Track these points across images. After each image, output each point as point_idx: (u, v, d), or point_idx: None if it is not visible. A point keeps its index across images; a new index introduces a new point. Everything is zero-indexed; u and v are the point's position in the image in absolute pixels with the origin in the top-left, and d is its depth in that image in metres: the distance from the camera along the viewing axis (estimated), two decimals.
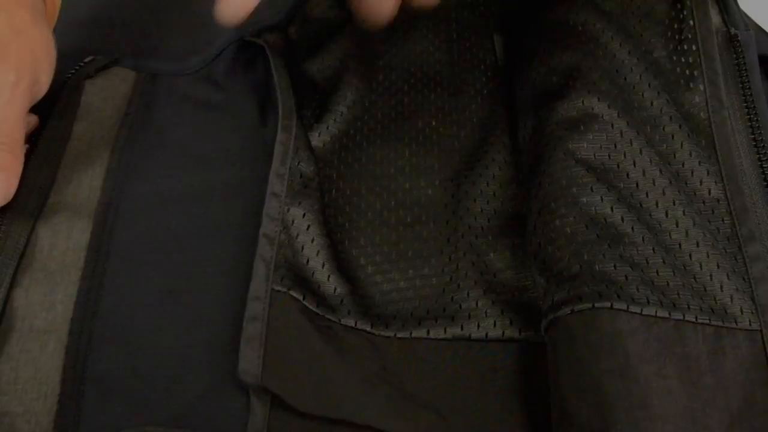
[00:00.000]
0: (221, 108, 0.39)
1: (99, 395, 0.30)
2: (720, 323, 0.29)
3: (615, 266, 0.29)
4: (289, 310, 0.30)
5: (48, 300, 0.33)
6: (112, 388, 0.30)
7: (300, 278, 0.31)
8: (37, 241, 0.34)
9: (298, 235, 0.32)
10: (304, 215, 0.33)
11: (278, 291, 0.30)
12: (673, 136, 0.35)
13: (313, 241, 0.32)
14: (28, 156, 0.36)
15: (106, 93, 0.41)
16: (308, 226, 0.33)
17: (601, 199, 0.31)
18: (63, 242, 0.34)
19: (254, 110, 0.38)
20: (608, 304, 0.28)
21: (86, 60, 0.41)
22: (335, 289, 0.32)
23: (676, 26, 0.38)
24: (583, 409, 0.26)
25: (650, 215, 0.32)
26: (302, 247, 0.32)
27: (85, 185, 0.37)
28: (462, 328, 0.31)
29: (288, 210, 0.32)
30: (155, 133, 0.39)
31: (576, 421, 0.26)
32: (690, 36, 0.37)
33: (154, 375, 0.30)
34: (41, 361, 0.31)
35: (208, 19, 0.44)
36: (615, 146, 0.34)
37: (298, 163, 0.34)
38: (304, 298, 0.31)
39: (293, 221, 0.32)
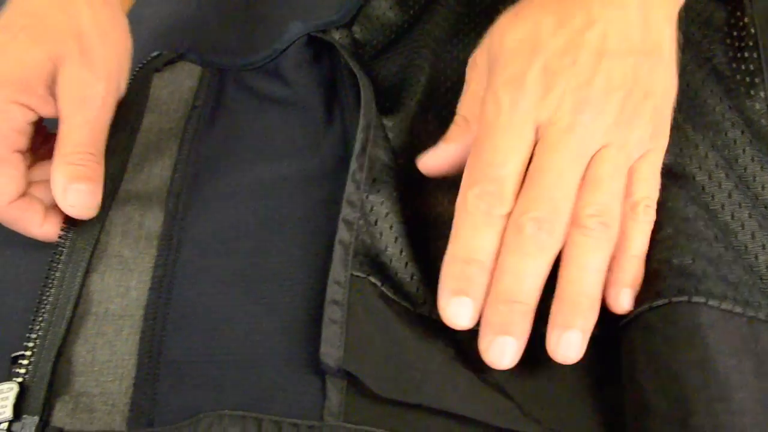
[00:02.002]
0: (288, 102, 0.40)
1: (174, 379, 0.31)
2: None
3: (693, 260, 0.29)
4: (369, 295, 0.30)
5: (123, 286, 0.33)
6: (187, 373, 0.31)
7: (378, 264, 0.31)
8: (111, 228, 0.35)
9: (376, 221, 0.32)
10: (382, 202, 0.33)
11: (357, 276, 0.30)
12: (735, 142, 0.35)
13: (391, 227, 0.32)
14: None
15: (174, 86, 0.42)
16: (386, 213, 0.32)
17: (675, 196, 0.32)
18: (136, 230, 0.35)
19: (320, 105, 0.39)
20: (686, 298, 0.28)
21: (153, 55, 0.43)
22: (412, 276, 0.32)
23: (735, 33, 0.38)
24: (662, 401, 0.26)
25: (717, 217, 0.32)
26: (380, 234, 0.32)
27: (155, 175, 0.38)
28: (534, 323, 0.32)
29: (367, 197, 0.32)
30: (224, 126, 0.40)
31: (655, 412, 0.26)
32: (751, 44, 0.37)
33: (228, 361, 0.31)
34: (117, 345, 0.32)
35: (270, 15, 0.46)
36: (681, 150, 0.34)
37: (377, 151, 0.34)
38: (382, 284, 0.31)
39: (372, 208, 0.32)
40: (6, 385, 0.30)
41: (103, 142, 0.34)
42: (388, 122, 0.38)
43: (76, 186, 0.32)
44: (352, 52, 0.41)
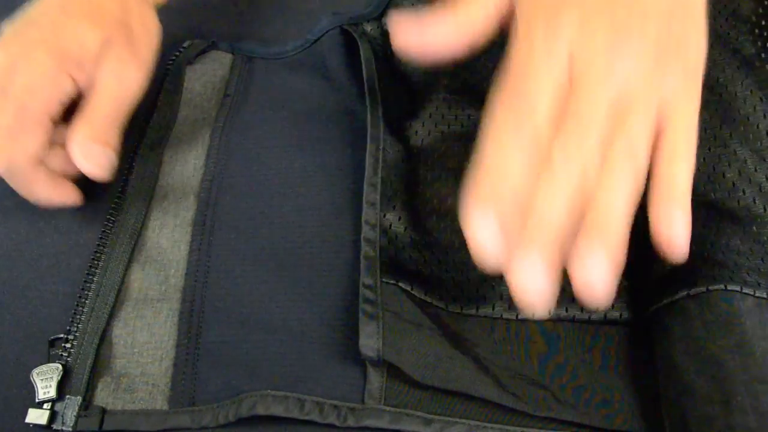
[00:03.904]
0: (319, 93, 0.41)
1: (213, 360, 0.32)
2: None
3: (723, 253, 0.30)
4: (400, 297, 0.31)
5: (162, 274, 0.35)
6: (226, 353, 0.32)
7: (405, 271, 0.33)
8: (149, 223, 0.36)
9: (397, 236, 0.34)
10: (399, 218, 0.34)
11: (387, 283, 0.32)
12: (767, 134, 0.35)
13: (411, 239, 0.34)
14: (139, 143, 0.39)
15: (206, 78, 0.43)
16: (405, 228, 0.34)
17: (705, 192, 0.32)
18: (171, 221, 0.36)
19: (352, 94, 0.40)
20: (722, 286, 0.28)
21: (184, 45, 0.44)
22: (439, 278, 0.33)
23: (763, 23, 0.39)
24: (703, 383, 0.27)
25: (749, 211, 0.33)
26: (403, 246, 0.34)
27: (189, 165, 0.39)
28: (567, 311, 0.32)
29: (384, 215, 0.34)
30: (254, 114, 0.41)
31: (698, 394, 0.27)
32: None
33: (267, 343, 0.32)
34: (155, 328, 0.33)
35: (302, 6, 0.47)
36: (709, 149, 0.35)
37: (389, 171, 0.36)
38: (412, 288, 0.32)
39: (391, 225, 0.34)
40: (50, 367, 0.31)
41: (123, 120, 0.36)
42: (416, 125, 0.38)
43: (94, 146, 0.34)
44: (381, 44, 0.42)
